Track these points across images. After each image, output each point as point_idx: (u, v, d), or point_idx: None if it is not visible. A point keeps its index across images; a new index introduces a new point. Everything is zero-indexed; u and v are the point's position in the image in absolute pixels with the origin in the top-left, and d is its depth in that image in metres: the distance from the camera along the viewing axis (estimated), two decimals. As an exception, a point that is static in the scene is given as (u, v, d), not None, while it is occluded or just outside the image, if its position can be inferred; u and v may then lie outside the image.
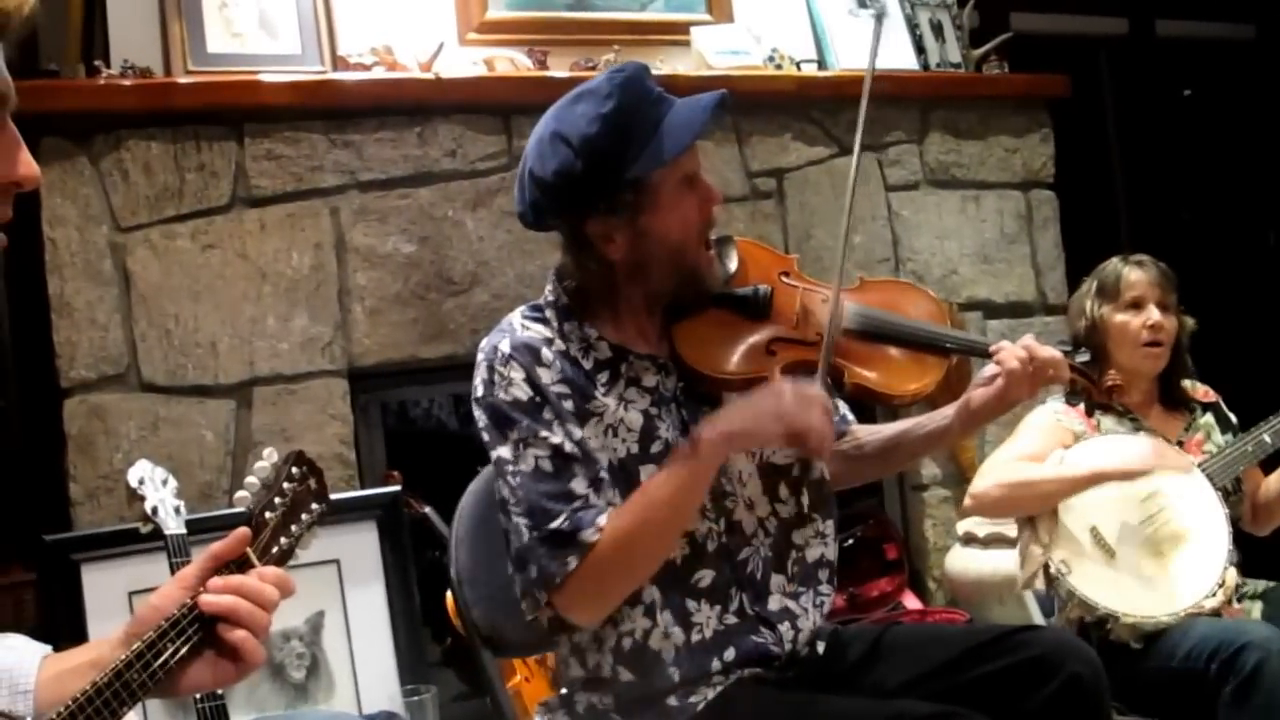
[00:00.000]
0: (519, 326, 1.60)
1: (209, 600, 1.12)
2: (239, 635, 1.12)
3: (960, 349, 1.68)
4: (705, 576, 1.58)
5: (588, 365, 1.59)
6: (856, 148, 1.72)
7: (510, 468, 1.55)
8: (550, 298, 1.64)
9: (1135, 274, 2.26)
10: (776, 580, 1.62)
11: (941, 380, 1.62)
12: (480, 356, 1.60)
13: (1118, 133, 4.25)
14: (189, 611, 1.12)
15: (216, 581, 1.13)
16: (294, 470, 1.24)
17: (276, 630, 2.24)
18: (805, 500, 1.67)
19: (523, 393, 1.54)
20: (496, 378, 1.56)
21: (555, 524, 1.50)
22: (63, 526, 2.26)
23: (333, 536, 2.31)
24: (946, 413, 1.68)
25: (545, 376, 1.56)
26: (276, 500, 1.22)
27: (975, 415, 1.64)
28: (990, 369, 1.62)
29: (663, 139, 1.53)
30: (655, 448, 1.58)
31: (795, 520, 1.66)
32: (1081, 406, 1.68)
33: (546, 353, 1.57)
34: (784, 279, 1.68)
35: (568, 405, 1.56)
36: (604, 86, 1.54)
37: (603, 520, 1.50)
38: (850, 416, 1.84)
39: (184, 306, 2.38)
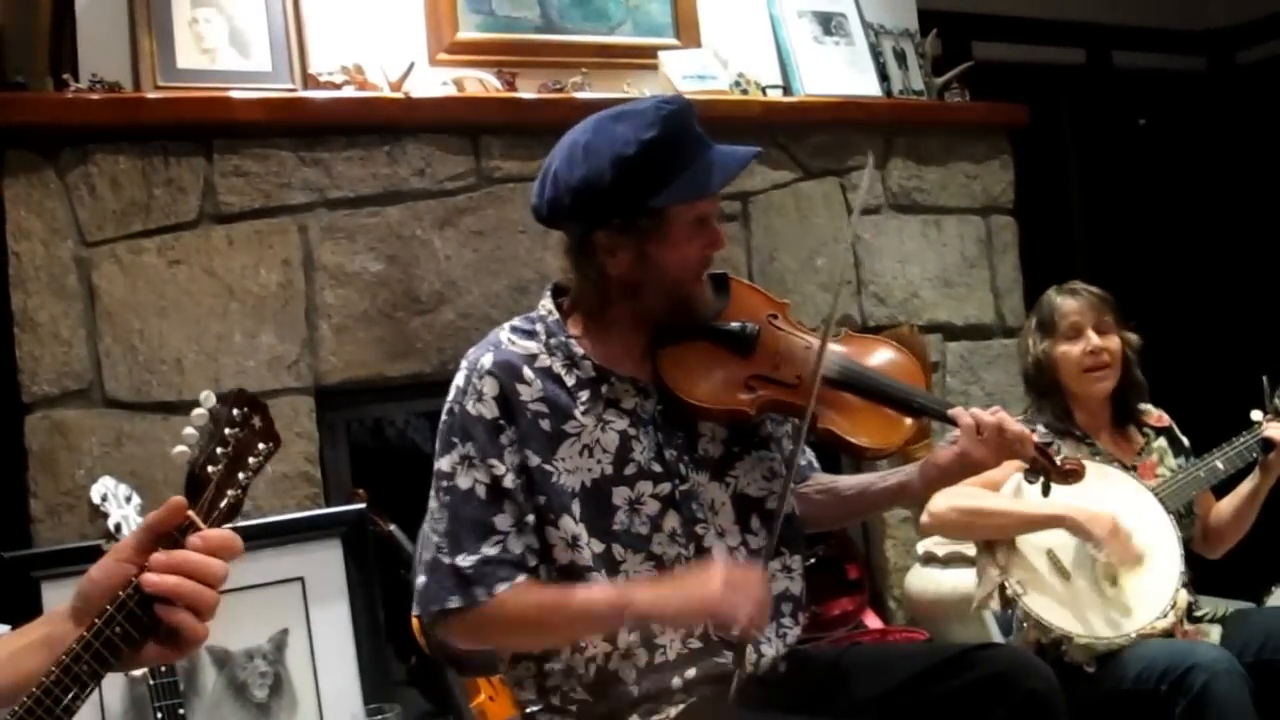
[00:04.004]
0: (505, 341, 1.63)
1: (152, 580, 1.06)
2: (179, 617, 1.07)
3: (926, 410, 1.72)
4: None
5: (570, 382, 1.61)
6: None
7: (446, 483, 1.58)
8: (543, 311, 1.67)
9: (1068, 303, 2.29)
10: None
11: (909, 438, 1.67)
12: (463, 364, 1.64)
13: (1075, 160, 4.32)
14: (135, 592, 1.07)
15: (160, 558, 1.07)
16: (235, 413, 1.13)
17: (240, 649, 2.24)
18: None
19: (489, 410, 1.57)
20: (470, 388, 1.59)
21: (462, 561, 1.54)
22: (23, 544, 2.24)
23: (297, 554, 2.33)
24: (910, 470, 1.72)
25: (525, 394, 1.59)
26: (219, 450, 1.12)
27: (939, 475, 1.68)
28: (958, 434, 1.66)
29: (694, 179, 1.58)
30: (628, 470, 1.60)
31: (763, 551, 1.67)
32: (1041, 482, 1.72)
33: (528, 371, 1.60)
34: (772, 321, 1.72)
35: (544, 425, 1.58)
36: (650, 113, 1.57)
37: (502, 588, 1.54)
38: (815, 464, 1.88)
39: (150, 322, 2.37)
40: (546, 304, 1.68)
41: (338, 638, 2.33)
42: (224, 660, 2.22)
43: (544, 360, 1.62)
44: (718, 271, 1.73)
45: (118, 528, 2.01)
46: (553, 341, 1.63)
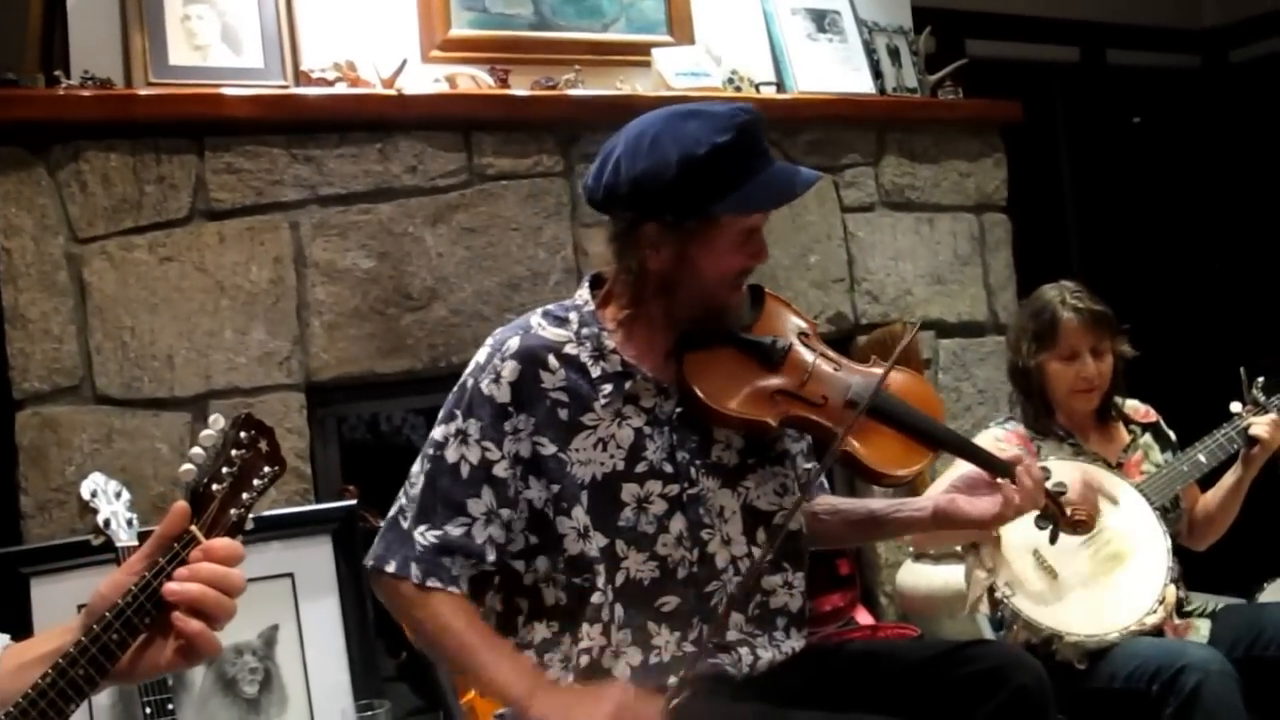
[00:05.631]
0: (535, 326, 1.64)
1: (173, 589, 1.09)
2: (195, 628, 1.09)
3: (954, 449, 1.72)
4: (670, 602, 1.61)
5: (595, 374, 1.61)
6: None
7: (434, 450, 1.59)
8: (579, 300, 1.67)
9: (1070, 323, 2.25)
10: (735, 618, 1.64)
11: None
12: (489, 341, 1.64)
13: (1069, 158, 4.32)
14: (134, 600, 1.09)
15: (184, 571, 1.10)
16: (242, 435, 1.17)
17: (229, 645, 2.24)
18: (781, 548, 1.69)
19: (502, 394, 1.57)
20: (490, 366, 1.59)
21: (419, 536, 1.55)
22: (13, 539, 2.24)
23: (287, 550, 2.33)
24: (924, 506, 1.72)
25: (547, 381, 1.59)
26: (224, 470, 1.15)
27: (953, 521, 1.68)
28: (970, 470, 1.68)
29: (754, 192, 1.57)
30: (640, 467, 1.61)
31: (768, 565, 1.67)
32: (1050, 529, 1.74)
33: (553, 359, 1.60)
34: (803, 339, 1.72)
35: (561, 414, 1.58)
36: (725, 118, 1.56)
37: (434, 583, 1.53)
38: (825, 484, 1.89)
39: (140, 319, 2.36)
40: (583, 294, 1.68)
41: (328, 633, 2.32)
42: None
43: (571, 349, 1.62)
44: (754, 284, 1.73)
45: (107, 524, 2.02)
46: (584, 331, 1.63)
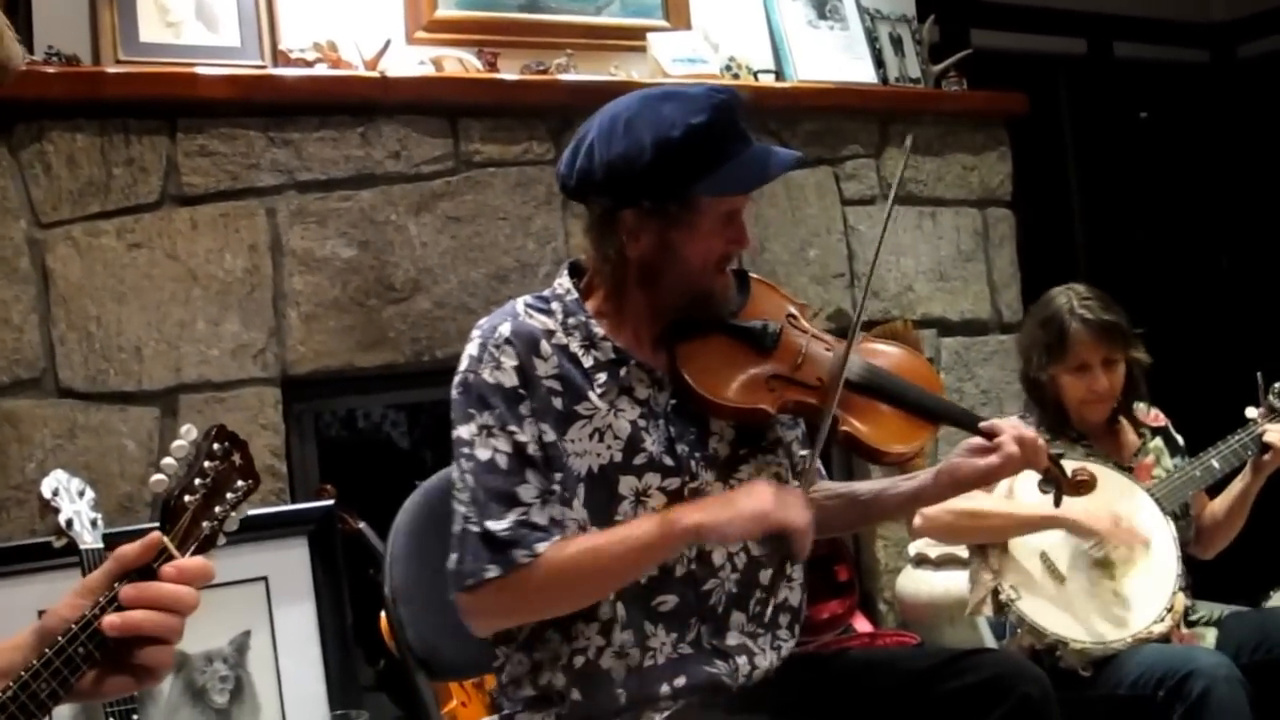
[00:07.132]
0: (523, 313, 1.60)
1: (112, 621, 1.06)
2: (145, 652, 1.08)
3: (952, 420, 1.71)
4: (668, 601, 1.56)
5: (587, 363, 1.58)
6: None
7: (466, 450, 1.54)
8: (560, 290, 1.63)
9: (1080, 336, 2.20)
10: (737, 617, 1.61)
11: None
12: (475, 334, 1.59)
13: (1075, 152, 4.31)
14: (95, 619, 1.07)
15: (128, 591, 1.08)
16: (215, 447, 1.17)
17: (199, 651, 2.18)
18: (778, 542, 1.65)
19: (508, 379, 1.53)
20: (486, 356, 1.55)
21: (495, 525, 1.50)
22: (-31, 540, 2.16)
23: (261, 552, 2.27)
24: (924, 476, 1.69)
25: (541, 368, 1.55)
26: (197, 481, 1.14)
27: (958, 484, 1.66)
28: (971, 440, 1.65)
29: (733, 172, 1.55)
30: (638, 460, 1.56)
31: (766, 558, 1.64)
32: (1053, 493, 1.72)
33: (545, 345, 1.57)
34: (793, 322, 1.70)
35: (556, 403, 1.55)
36: (701, 100, 1.55)
37: (542, 547, 1.48)
38: (823, 471, 1.86)
39: (107, 308, 2.29)
40: (565, 282, 1.64)
41: (303, 640, 2.27)
42: (181, 663, 2.14)
43: (560, 338, 1.58)
44: (738, 269, 1.71)
45: (69, 524, 1.96)
46: (570, 320, 1.59)
